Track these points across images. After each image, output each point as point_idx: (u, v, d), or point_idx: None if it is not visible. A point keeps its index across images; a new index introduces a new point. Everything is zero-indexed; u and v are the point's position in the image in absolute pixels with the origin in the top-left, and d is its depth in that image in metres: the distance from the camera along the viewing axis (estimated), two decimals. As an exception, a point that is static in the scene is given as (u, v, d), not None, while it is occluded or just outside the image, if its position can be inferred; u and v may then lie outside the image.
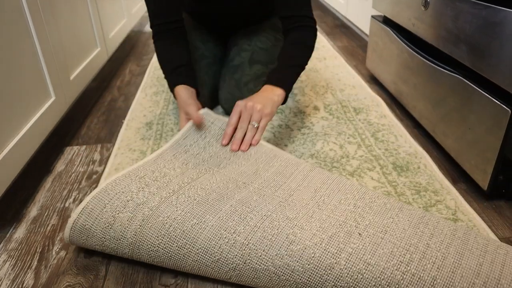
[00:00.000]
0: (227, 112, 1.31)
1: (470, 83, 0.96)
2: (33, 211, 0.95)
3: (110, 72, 1.83)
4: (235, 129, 0.95)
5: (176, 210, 0.73)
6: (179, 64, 1.11)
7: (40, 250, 0.83)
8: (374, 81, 1.63)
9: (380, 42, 1.49)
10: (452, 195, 0.94)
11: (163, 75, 1.72)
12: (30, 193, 1.01)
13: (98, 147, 1.21)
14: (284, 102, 1.04)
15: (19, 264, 0.80)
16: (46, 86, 1.11)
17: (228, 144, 0.95)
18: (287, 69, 1.05)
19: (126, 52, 2.11)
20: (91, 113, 1.44)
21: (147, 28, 2.60)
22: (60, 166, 1.12)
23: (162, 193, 0.77)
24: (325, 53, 1.95)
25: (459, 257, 0.65)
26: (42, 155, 1.17)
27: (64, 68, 1.23)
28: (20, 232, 0.88)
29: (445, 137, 1.08)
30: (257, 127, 0.94)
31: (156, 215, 0.72)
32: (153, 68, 1.81)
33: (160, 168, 0.86)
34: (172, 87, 1.09)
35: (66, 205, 0.96)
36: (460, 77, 0.99)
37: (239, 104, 0.96)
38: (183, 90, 1.06)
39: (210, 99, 1.30)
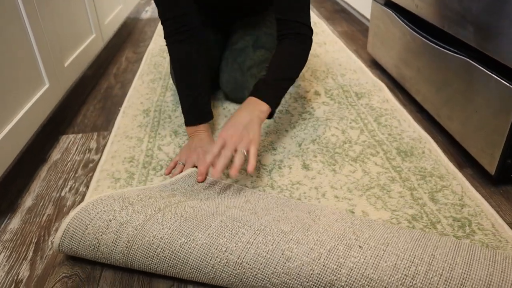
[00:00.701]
0: (228, 96, 1.27)
1: (476, 64, 0.92)
2: (28, 201, 0.92)
3: (106, 59, 1.79)
4: (215, 158, 0.85)
5: (163, 228, 0.68)
6: (197, 94, 1.04)
7: (35, 240, 0.81)
8: (375, 66, 1.60)
9: (382, 26, 1.46)
10: (458, 180, 0.92)
11: (160, 62, 1.68)
12: (25, 183, 0.98)
13: (94, 135, 1.18)
14: (270, 117, 0.95)
15: (14, 256, 0.77)
16: (40, 73, 1.08)
17: (204, 179, 0.91)
18: (276, 82, 0.96)
19: (122, 39, 2.07)
20: (87, 100, 1.40)
21: (144, 15, 2.55)
22: (55, 154, 1.09)
23: (147, 211, 0.72)
24: (325, 38, 1.91)
25: (468, 268, 0.61)
26: (37, 143, 1.14)
27: (58, 54, 1.19)
28: (15, 222, 0.86)
29: (450, 121, 1.05)
30: (246, 154, 0.85)
31: (142, 235, 0.68)
32: (150, 55, 1.78)
33: (146, 193, 0.81)
34: (190, 123, 1.05)
35: (62, 194, 0.94)
36: (466, 59, 0.96)
37: (222, 135, 0.86)
38: (204, 134, 1.04)
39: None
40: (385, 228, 0.71)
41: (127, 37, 2.11)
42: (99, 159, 1.06)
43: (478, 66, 0.92)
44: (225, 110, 1.26)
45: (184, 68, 1.04)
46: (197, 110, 1.05)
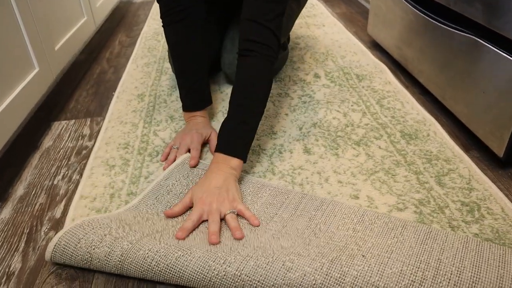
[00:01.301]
0: (230, 79, 1.23)
1: (484, 43, 0.89)
2: (19, 189, 0.88)
3: (98, 43, 1.74)
4: (195, 226, 0.73)
5: (159, 243, 0.64)
6: (195, 79, 1.00)
7: (27, 231, 0.78)
8: (376, 48, 1.55)
9: (383, 6, 1.41)
10: (465, 163, 0.89)
11: (155, 46, 1.63)
12: (16, 171, 0.94)
13: (87, 121, 1.14)
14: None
15: (5, 247, 0.74)
16: (29, 56, 1.03)
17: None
18: (243, 125, 0.82)
19: (115, 23, 2.01)
20: (79, 86, 1.36)
21: (137, -2, 2.48)
22: (47, 141, 1.05)
23: (145, 230, 0.68)
24: (323, 20, 1.86)
25: (477, 271, 0.59)
26: (28, 130, 1.10)
27: (48, 37, 1.14)
28: (6, 212, 0.82)
29: (455, 103, 1.02)
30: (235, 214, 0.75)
31: (136, 248, 0.64)
32: (144, 38, 1.72)
33: (142, 214, 0.76)
34: (187, 109, 1.02)
35: (55, 182, 0.90)
36: (473, 37, 0.92)
37: (198, 204, 0.74)
38: (201, 119, 1.01)
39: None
40: (388, 230, 0.69)
41: (120, 20, 2.05)
42: (92, 146, 1.02)
43: (487, 44, 0.88)
44: (222, 93, 1.22)
45: (180, 51, 1.00)
46: (195, 95, 1.01)
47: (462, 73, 0.98)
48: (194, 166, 0.89)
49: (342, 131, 1.01)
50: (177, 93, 1.23)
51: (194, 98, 1.01)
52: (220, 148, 0.82)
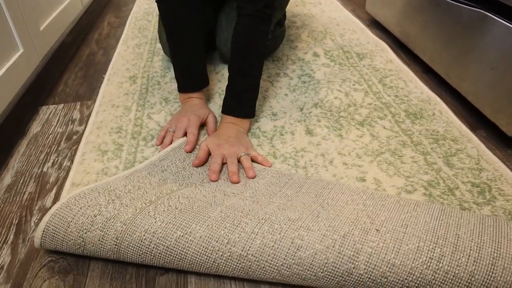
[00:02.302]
0: (226, 57, 1.17)
1: (494, 16, 0.85)
2: (6, 178, 0.84)
3: (86, 24, 1.66)
4: (204, 161, 0.81)
5: (155, 222, 0.60)
6: (190, 58, 0.95)
7: (16, 222, 0.73)
8: (375, 25, 1.50)
9: (383, -20, 1.36)
10: (473, 143, 0.86)
11: (145, 26, 1.57)
12: (3, 159, 0.89)
13: (77, 105, 1.09)
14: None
15: (-7, 239, 0.70)
16: (11, 37, 0.97)
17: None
18: (243, 89, 0.89)
19: (103, 3, 1.93)
20: (68, 68, 1.30)
21: (125, -22, 2.39)
22: (35, 127, 1.00)
23: (137, 204, 0.64)
24: (319, -3, 1.80)
25: (497, 246, 0.55)
26: (15, 116, 1.05)
27: (32, 17, 1.08)
28: (-8, 202, 0.78)
29: (461, 80, 0.98)
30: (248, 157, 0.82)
31: (131, 230, 0.59)
32: (134, 19, 1.65)
33: (134, 183, 0.72)
34: (182, 90, 0.97)
35: (44, 170, 0.85)
36: (481, 10, 0.88)
37: (210, 147, 0.83)
38: (198, 100, 0.97)
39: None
40: (400, 207, 0.65)
41: (108, 1, 1.97)
42: (83, 131, 0.97)
43: (496, 18, 0.84)
44: (218, 74, 1.17)
45: (175, 27, 0.94)
46: (191, 75, 0.96)
47: (468, 50, 0.94)
48: (191, 151, 0.85)
49: (345, 111, 0.97)
50: (171, 74, 1.18)
51: (190, 79, 0.96)
52: (227, 111, 0.89)
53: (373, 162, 0.81)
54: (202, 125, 0.94)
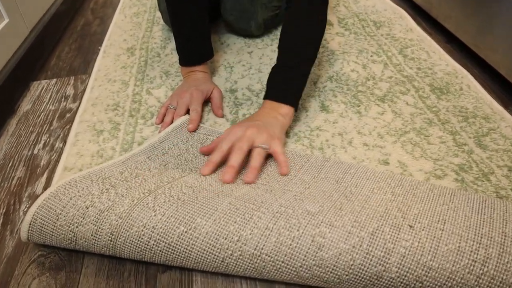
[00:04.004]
0: (231, 27, 1.08)
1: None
2: (-6, 161, 0.77)
3: (81, -8, 1.56)
4: (223, 157, 0.66)
5: (155, 215, 0.52)
6: (193, 27, 0.85)
7: (3, 211, 0.66)
8: (391, -9, 1.39)
9: None
10: (507, 121, 0.77)
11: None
12: (-10, 139, 0.82)
13: (71, 80, 1.00)
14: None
15: (-22, 230, 0.63)
16: (-4, 4, 0.88)
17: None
18: (292, 71, 0.74)
19: (99, -30, 1.81)
20: (61, 40, 1.21)
21: None
22: (25, 105, 0.92)
23: (134, 194, 0.56)
24: (330, -39, 1.67)
25: None
26: (3, 93, 0.96)
27: (18, -18, 0.98)
28: (-22, 188, 0.71)
29: (492, 51, 0.88)
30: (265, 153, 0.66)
31: (128, 224, 0.52)
32: (132, -15, 1.54)
33: (131, 169, 0.64)
34: (185, 63, 0.88)
35: (35, 152, 0.78)
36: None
37: (230, 136, 0.66)
38: (201, 74, 0.88)
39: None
40: (435, 196, 0.57)
41: (104, -33, 1.85)
42: (77, 108, 0.89)
43: (539, -22, 0.74)
44: (223, 45, 1.08)
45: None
46: (194, 47, 0.87)
47: (501, 16, 0.84)
48: (194, 131, 0.77)
49: (363, 86, 0.89)
50: (172, 45, 1.09)
51: (193, 50, 0.87)
52: (268, 95, 0.75)
53: (396, 142, 0.73)
54: (207, 102, 0.86)
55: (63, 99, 0.93)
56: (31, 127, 0.85)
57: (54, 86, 0.98)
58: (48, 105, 0.91)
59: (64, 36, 1.23)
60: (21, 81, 1.00)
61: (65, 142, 0.80)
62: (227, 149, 0.65)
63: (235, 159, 0.63)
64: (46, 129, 0.84)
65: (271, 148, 0.66)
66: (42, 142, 0.80)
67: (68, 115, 0.88)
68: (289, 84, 0.74)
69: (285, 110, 0.72)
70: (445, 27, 1.08)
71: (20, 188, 0.70)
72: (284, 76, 0.75)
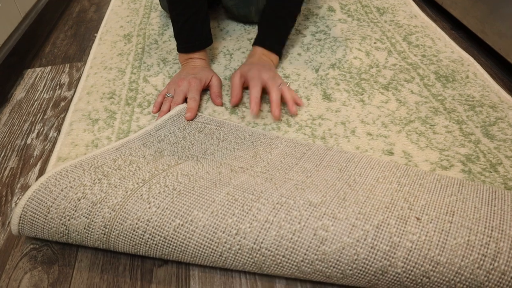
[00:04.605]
0: (230, 12, 1.05)
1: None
2: (-14, 151, 0.74)
3: (77, -22, 1.52)
4: (241, 97, 0.79)
5: (150, 207, 0.51)
6: (191, 13, 0.82)
7: (-5, 202, 0.64)
8: (395, -24, 1.35)
9: None
10: (516, 110, 0.75)
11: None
12: (-17, 128, 0.80)
13: (66, 68, 0.98)
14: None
15: (-32, 222, 0.61)
16: (-13, -11, 0.85)
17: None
18: (281, 22, 0.87)
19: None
20: (56, 27, 1.18)
21: None
22: (19, 93, 0.90)
23: (127, 184, 0.54)
24: None
25: None
26: (-4, 80, 0.94)
27: (10, -34, 0.95)
28: (-31, 179, 0.69)
29: (500, 38, 0.85)
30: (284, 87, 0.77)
31: (122, 217, 0.50)
32: (129, -29, 1.51)
33: (125, 156, 0.62)
34: (183, 50, 0.86)
35: (28, 141, 0.76)
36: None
37: (241, 72, 0.79)
38: (199, 61, 0.86)
39: None
40: (442, 187, 0.55)
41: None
42: (72, 96, 0.87)
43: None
44: (222, 31, 1.05)
45: None
46: (192, 33, 0.84)
47: (509, 0, 0.81)
48: (192, 119, 0.74)
49: (367, 73, 0.86)
50: (170, 32, 1.06)
51: (191, 36, 0.84)
52: (261, 43, 0.86)
53: (401, 132, 0.71)
54: (205, 90, 0.83)
55: (57, 87, 0.90)
56: (24, 116, 0.82)
57: (48, 74, 0.95)
58: (42, 94, 0.88)
59: (60, 23, 1.20)
60: (14, 68, 0.97)
61: (59, 131, 0.77)
62: (261, 88, 0.75)
63: (275, 96, 0.74)
64: (40, 118, 0.81)
65: (281, 88, 0.76)
66: (36, 131, 0.78)
67: (62, 103, 0.85)
68: (276, 35, 0.87)
69: (274, 57, 0.87)
70: (450, 13, 1.05)
71: (12, 179, 0.68)
72: (275, 27, 0.87)
